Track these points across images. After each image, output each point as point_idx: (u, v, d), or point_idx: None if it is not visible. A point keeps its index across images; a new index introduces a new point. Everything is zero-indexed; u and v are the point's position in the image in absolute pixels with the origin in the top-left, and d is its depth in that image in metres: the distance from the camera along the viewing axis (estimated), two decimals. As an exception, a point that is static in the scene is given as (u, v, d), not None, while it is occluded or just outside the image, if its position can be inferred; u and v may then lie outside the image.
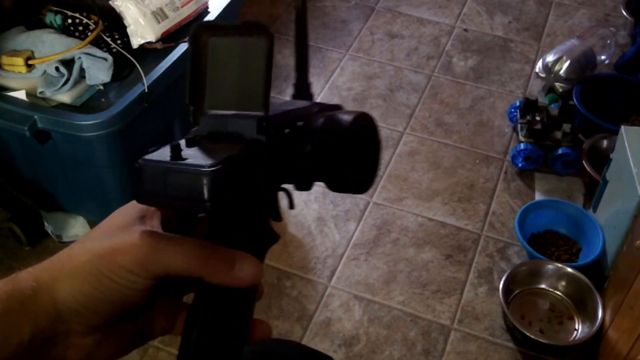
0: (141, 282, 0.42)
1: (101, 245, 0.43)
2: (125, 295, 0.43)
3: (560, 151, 1.81)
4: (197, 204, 0.39)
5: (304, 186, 0.48)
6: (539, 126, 1.83)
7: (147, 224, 0.45)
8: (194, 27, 0.44)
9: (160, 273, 0.42)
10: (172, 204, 0.41)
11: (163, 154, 0.41)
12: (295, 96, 0.53)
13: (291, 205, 0.50)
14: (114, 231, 0.44)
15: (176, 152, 0.41)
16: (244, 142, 0.42)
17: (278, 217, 0.48)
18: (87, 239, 0.46)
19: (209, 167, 0.38)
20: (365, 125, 0.49)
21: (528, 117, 1.86)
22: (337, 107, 0.50)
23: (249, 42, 0.43)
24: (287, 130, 0.46)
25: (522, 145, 1.83)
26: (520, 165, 1.85)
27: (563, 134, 1.82)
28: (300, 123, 0.47)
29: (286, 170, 0.46)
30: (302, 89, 0.53)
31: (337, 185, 0.48)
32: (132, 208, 0.46)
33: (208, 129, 0.44)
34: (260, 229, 0.47)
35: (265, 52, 0.43)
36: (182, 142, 0.42)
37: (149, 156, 0.41)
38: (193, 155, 0.41)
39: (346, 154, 0.47)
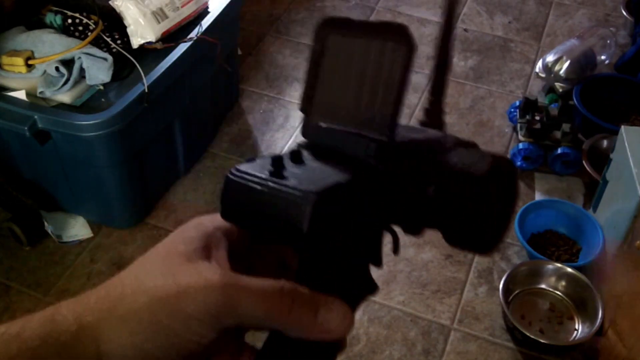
0: (209, 333, 0.35)
1: (163, 285, 0.35)
2: (186, 349, 0.35)
3: (559, 151, 1.81)
4: (291, 232, 0.34)
5: (414, 230, 0.41)
6: (538, 126, 1.83)
7: (213, 256, 0.37)
8: (320, 21, 0.38)
9: (233, 323, 0.35)
10: (261, 228, 0.36)
11: (262, 166, 0.36)
12: (425, 123, 0.45)
13: (395, 250, 0.43)
14: (176, 264, 0.36)
15: (278, 168, 0.35)
16: (356, 168, 0.36)
17: (379, 261, 0.41)
18: (143, 270, 0.37)
19: (313, 192, 0.33)
20: (504, 173, 0.41)
21: (528, 117, 1.86)
22: (473, 145, 0.43)
23: (383, 47, 0.37)
24: (410, 163, 0.39)
25: (521, 145, 1.83)
26: (519, 165, 1.85)
27: (563, 134, 1.82)
28: (427, 157, 0.40)
29: (400, 210, 0.40)
30: (435, 115, 0.45)
31: (456, 238, 0.41)
32: (195, 231, 0.38)
33: (317, 144, 0.38)
34: (357, 274, 0.40)
35: (403, 63, 0.36)
36: (286, 156, 0.37)
37: (244, 167, 0.36)
38: (296, 175, 0.35)
39: (475, 205, 0.39)
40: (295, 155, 0.37)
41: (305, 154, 0.37)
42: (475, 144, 0.42)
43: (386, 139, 0.37)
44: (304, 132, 0.38)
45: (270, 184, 0.34)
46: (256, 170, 0.35)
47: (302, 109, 0.38)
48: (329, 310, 0.36)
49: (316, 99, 0.38)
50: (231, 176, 0.36)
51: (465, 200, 0.39)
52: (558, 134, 1.84)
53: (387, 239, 0.42)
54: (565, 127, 1.82)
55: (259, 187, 0.34)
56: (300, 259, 0.38)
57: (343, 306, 0.36)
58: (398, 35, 0.36)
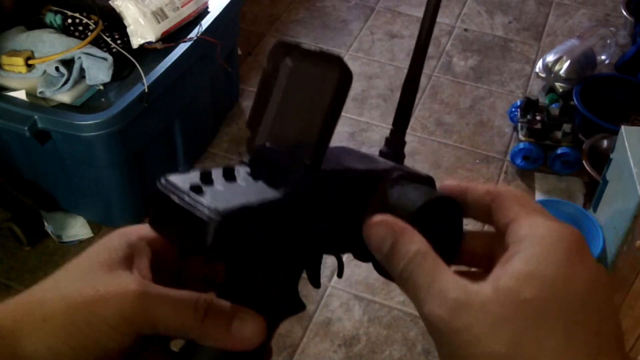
0: (123, 339, 0.36)
1: (80, 290, 0.36)
2: (103, 353, 0.36)
3: (559, 151, 1.81)
4: (199, 247, 0.35)
5: (363, 257, 0.40)
6: (539, 125, 1.83)
7: (134, 266, 0.38)
8: (274, 43, 0.39)
9: (148, 331, 0.36)
10: (177, 240, 0.37)
11: (188, 179, 0.36)
12: (383, 153, 0.44)
13: (340, 273, 0.43)
14: (96, 271, 0.37)
15: (202, 182, 0.36)
16: (283, 189, 0.37)
17: (317, 283, 0.43)
18: (64, 277, 0.38)
19: (220, 213, 0.34)
20: (441, 212, 0.40)
21: (529, 117, 1.87)
22: (428, 180, 0.42)
23: (322, 73, 0.37)
24: (338, 191, 0.39)
25: (521, 145, 1.83)
26: (519, 164, 1.85)
27: (563, 134, 1.82)
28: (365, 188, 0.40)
29: (336, 237, 0.40)
30: (394, 146, 0.44)
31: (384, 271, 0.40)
32: (119, 241, 0.39)
33: (254, 161, 0.38)
34: (282, 292, 0.41)
35: (333, 89, 0.37)
36: (218, 172, 0.37)
37: (173, 177, 0.36)
38: (216, 192, 0.35)
39: None
40: (228, 172, 0.37)
41: (242, 170, 0.38)
42: (431, 180, 0.42)
43: (309, 164, 0.37)
44: (248, 148, 0.39)
45: (186, 197, 0.35)
46: (181, 182, 0.36)
47: (247, 125, 0.39)
48: (242, 321, 0.37)
49: (262, 118, 0.39)
50: (158, 185, 0.36)
51: None
52: (559, 134, 1.84)
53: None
54: (566, 127, 1.82)
55: (176, 200, 0.35)
56: (225, 274, 0.39)
57: (257, 318, 0.38)
58: (334, 62, 0.37)
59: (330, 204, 0.39)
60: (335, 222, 0.39)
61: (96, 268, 0.37)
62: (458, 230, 0.41)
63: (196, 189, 0.35)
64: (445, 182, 0.41)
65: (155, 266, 0.39)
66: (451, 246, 0.41)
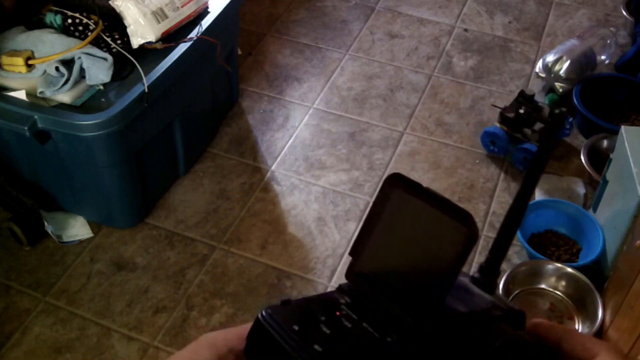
0: None
1: None
2: None
3: (525, 145, 1.81)
4: None
5: None
6: (512, 115, 1.82)
7: None
8: (391, 174, 0.37)
9: None
10: None
11: (292, 317, 0.35)
12: (477, 280, 0.42)
13: None
14: None
15: (306, 325, 0.34)
16: (392, 338, 0.34)
17: None
18: None
19: None
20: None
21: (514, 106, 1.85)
22: (520, 315, 0.41)
23: (446, 223, 0.35)
24: (451, 336, 0.37)
25: (492, 128, 1.86)
26: (485, 146, 1.89)
27: (532, 131, 1.81)
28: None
29: None
30: (488, 276, 0.42)
31: None
32: (209, 353, 0.38)
33: (355, 299, 0.37)
34: None
35: (461, 248, 0.35)
36: (320, 308, 0.35)
37: (276, 312, 0.35)
38: (321, 336, 0.33)
39: None
40: (330, 310, 0.36)
41: (344, 308, 0.36)
42: (523, 316, 0.41)
43: (426, 325, 0.35)
44: (348, 274, 0.38)
45: (292, 343, 0.34)
46: (285, 320, 0.35)
47: (351, 252, 0.37)
48: None
49: (367, 247, 0.37)
50: (261, 318, 0.35)
51: None
52: (528, 131, 1.82)
53: None
54: (537, 126, 1.80)
55: (282, 342, 0.34)
56: None
57: None
58: (464, 219, 0.35)
59: (435, 349, 0.36)
60: None
61: None
62: None
63: (300, 332, 0.34)
64: (536, 320, 0.41)
65: None
66: None
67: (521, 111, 1.82)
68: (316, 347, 0.33)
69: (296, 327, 0.34)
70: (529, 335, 0.40)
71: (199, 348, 0.38)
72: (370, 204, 0.36)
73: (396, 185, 0.37)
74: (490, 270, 0.43)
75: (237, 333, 0.38)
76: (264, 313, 0.35)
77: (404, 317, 0.35)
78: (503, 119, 1.84)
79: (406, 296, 0.36)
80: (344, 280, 0.39)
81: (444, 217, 0.36)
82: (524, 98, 1.83)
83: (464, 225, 0.35)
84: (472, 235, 0.35)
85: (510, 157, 1.87)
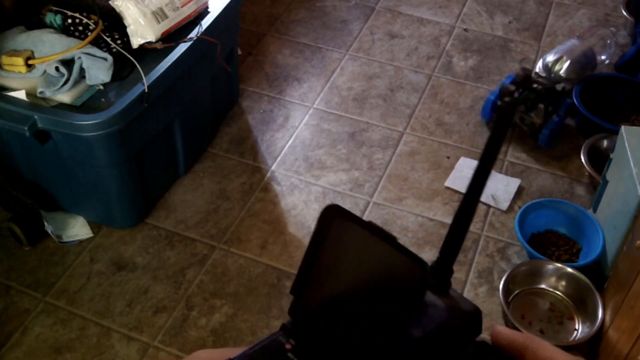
0: None
1: None
2: None
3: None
4: None
5: None
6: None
7: None
8: (327, 205, 0.35)
9: None
10: None
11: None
12: (430, 284, 0.40)
13: None
14: None
15: None
16: None
17: None
18: None
19: None
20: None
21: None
22: (476, 316, 0.40)
23: (397, 258, 0.35)
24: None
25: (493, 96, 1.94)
26: (485, 114, 1.98)
27: (531, 125, 1.86)
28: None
29: None
30: (441, 277, 0.40)
31: None
32: None
33: (301, 340, 0.35)
34: None
35: (416, 290, 0.34)
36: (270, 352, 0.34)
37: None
38: None
39: None
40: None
41: (288, 348, 0.35)
42: (479, 315, 0.40)
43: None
44: (291, 311, 0.36)
45: None
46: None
47: (293, 291, 0.35)
48: None
49: (311, 281, 0.35)
50: None
51: None
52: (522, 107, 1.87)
53: None
54: (541, 108, 1.85)
55: None
56: None
57: None
58: (416, 259, 0.34)
59: None
60: None
61: None
62: None
63: None
64: (497, 328, 0.40)
65: None
66: None
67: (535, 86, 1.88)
68: None
69: None
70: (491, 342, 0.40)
71: None
72: (311, 236, 0.34)
73: (335, 217, 0.35)
74: (441, 270, 0.41)
75: (232, 352, 0.37)
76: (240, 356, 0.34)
77: (356, 357, 0.34)
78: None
79: (357, 333, 0.34)
80: None
81: (394, 252, 0.34)
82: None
83: (419, 269, 0.34)
84: (424, 277, 0.34)
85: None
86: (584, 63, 2.01)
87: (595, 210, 1.66)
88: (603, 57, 2.09)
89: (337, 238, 0.33)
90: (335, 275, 0.34)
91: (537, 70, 2.05)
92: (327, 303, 0.34)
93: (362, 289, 0.34)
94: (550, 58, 2.02)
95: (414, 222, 1.74)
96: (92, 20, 1.57)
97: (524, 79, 0.39)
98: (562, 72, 1.98)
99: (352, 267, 0.34)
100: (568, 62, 1.98)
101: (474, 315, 0.39)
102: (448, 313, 0.38)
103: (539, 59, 2.13)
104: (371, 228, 0.34)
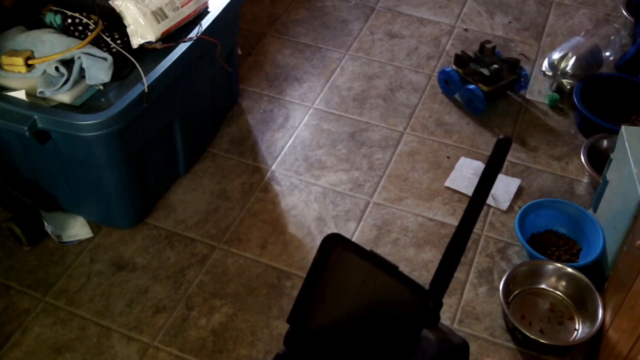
0: None
1: None
2: None
3: (471, 86, 1.98)
4: None
5: None
6: (465, 57, 2.02)
7: None
8: (328, 235, 0.35)
9: None
10: None
11: None
12: (420, 315, 0.39)
13: None
14: None
15: None
16: None
17: None
18: None
19: None
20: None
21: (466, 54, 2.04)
22: (464, 348, 0.40)
23: (398, 289, 0.34)
24: None
25: (448, 68, 2.05)
26: (441, 85, 2.10)
27: (479, 74, 1.98)
28: None
29: None
30: (433, 309, 0.39)
31: None
32: None
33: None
34: None
35: (416, 323, 0.34)
36: None
37: None
38: None
39: None
40: None
41: None
42: (466, 346, 0.39)
43: None
44: (287, 341, 0.35)
45: None
46: None
47: (290, 320, 0.34)
48: None
49: (309, 311, 0.34)
50: None
51: None
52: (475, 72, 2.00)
53: None
54: (485, 70, 1.97)
55: None
56: None
57: None
58: (414, 290, 0.33)
59: None
60: None
61: None
62: None
63: None
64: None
65: None
66: None
67: (471, 54, 2.05)
68: None
69: None
70: None
71: None
72: (310, 267, 0.33)
73: (336, 246, 0.34)
74: (434, 302, 0.40)
75: None
76: None
77: None
78: (457, 58, 2.03)
79: None
80: None
81: (394, 282, 0.34)
82: (482, 48, 2.04)
83: (417, 294, 0.33)
84: (424, 307, 0.33)
85: (461, 96, 2.05)
86: (590, 59, 2.01)
87: (595, 210, 1.66)
88: (607, 54, 2.09)
89: (336, 267, 0.33)
90: (333, 304, 0.34)
91: (543, 68, 2.06)
92: (323, 332, 0.33)
93: (359, 320, 0.34)
94: (555, 55, 2.02)
95: (414, 222, 1.74)
96: (92, 20, 1.57)
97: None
98: (568, 68, 1.98)
99: (350, 297, 0.34)
100: (574, 58, 1.98)
101: (463, 347, 0.39)
102: (440, 347, 0.38)
103: (539, 58, 2.13)
104: (372, 258, 0.34)
